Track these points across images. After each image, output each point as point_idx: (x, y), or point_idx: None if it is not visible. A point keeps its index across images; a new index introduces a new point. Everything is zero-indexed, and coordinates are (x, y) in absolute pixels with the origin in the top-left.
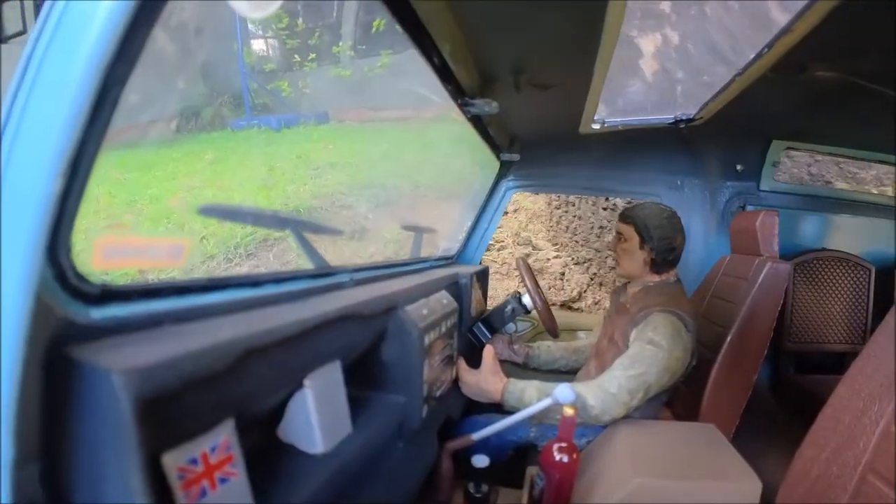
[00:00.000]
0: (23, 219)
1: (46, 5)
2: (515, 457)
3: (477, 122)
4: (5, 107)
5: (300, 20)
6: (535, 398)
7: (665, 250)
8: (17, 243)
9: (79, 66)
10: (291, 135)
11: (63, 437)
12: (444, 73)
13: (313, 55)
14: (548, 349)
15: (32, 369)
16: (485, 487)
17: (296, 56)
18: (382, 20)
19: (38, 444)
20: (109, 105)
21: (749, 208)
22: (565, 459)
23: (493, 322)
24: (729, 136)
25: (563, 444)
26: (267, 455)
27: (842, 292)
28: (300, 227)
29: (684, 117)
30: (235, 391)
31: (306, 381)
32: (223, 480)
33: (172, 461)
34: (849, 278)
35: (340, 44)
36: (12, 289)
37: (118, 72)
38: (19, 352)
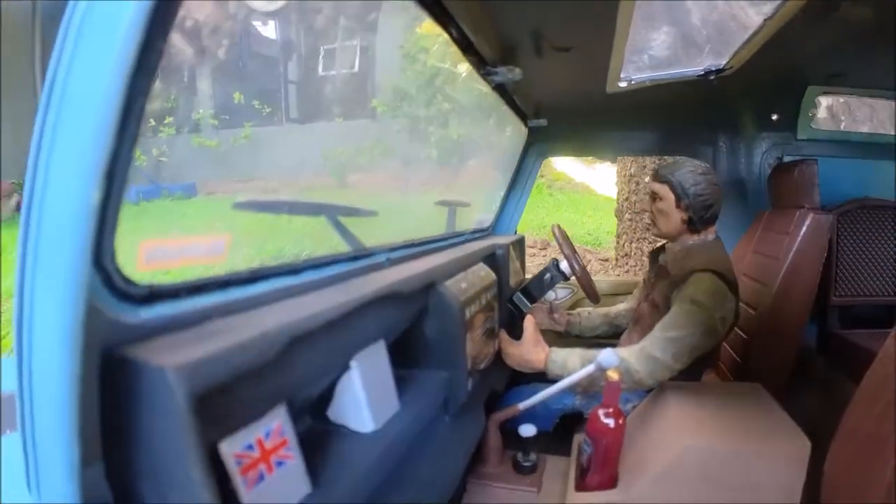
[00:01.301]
0: (67, 230)
1: (65, 19)
2: (562, 425)
3: (502, 90)
4: (37, 128)
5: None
6: (578, 365)
7: (702, 208)
8: (65, 253)
9: (103, 83)
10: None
11: (124, 435)
12: (465, 45)
13: (169, 118)
14: (588, 316)
15: (90, 372)
16: (533, 456)
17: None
18: (242, 94)
19: (100, 443)
20: (136, 116)
21: (787, 159)
22: (611, 425)
23: (533, 291)
24: (762, 84)
25: (609, 410)
26: (320, 437)
27: (888, 242)
28: (334, 211)
29: (714, 68)
30: (285, 378)
31: (352, 363)
32: (279, 464)
33: (229, 448)
34: (894, 227)
35: (201, 110)
36: (64, 296)
37: (141, 83)
38: (76, 356)
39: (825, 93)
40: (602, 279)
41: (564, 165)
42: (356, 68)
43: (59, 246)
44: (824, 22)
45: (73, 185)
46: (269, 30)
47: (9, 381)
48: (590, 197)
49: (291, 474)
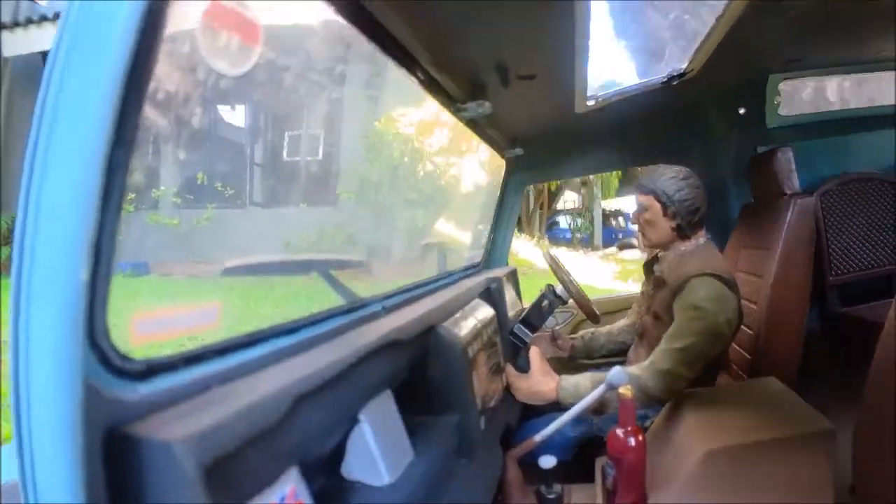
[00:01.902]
0: (58, 311)
1: (41, 94)
2: (582, 452)
3: (475, 125)
4: (21, 206)
5: None
6: (590, 388)
7: (689, 213)
8: (58, 335)
9: (85, 150)
10: None
11: None
12: (432, 86)
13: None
14: (592, 337)
15: (93, 453)
16: (557, 487)
17: None
18: (205, 175)
19: None
20: (118, 192)
21: (761, 150)
22: (632, 443)
23: (533, 320)
24: (725, 81)
25: (627, 429)
26: (335, 495)
27: (873, 213)
28: (325, 266)
29: (676, 73)
30: (293, 439)
31: (361, 416)
32: None
33: None
34: (877, 197)
35: (163, 188)
36: (61, 379)
37: (121, 155)
38: (78, 439)
39: (786, 79)
40: (599, 298)
41: (529, 252)
42: (320, 155)
43: (52, 328)
44: (773, 13)
45: (60, 263)
46: (236, 115)
47: (7, 469)
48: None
49: None
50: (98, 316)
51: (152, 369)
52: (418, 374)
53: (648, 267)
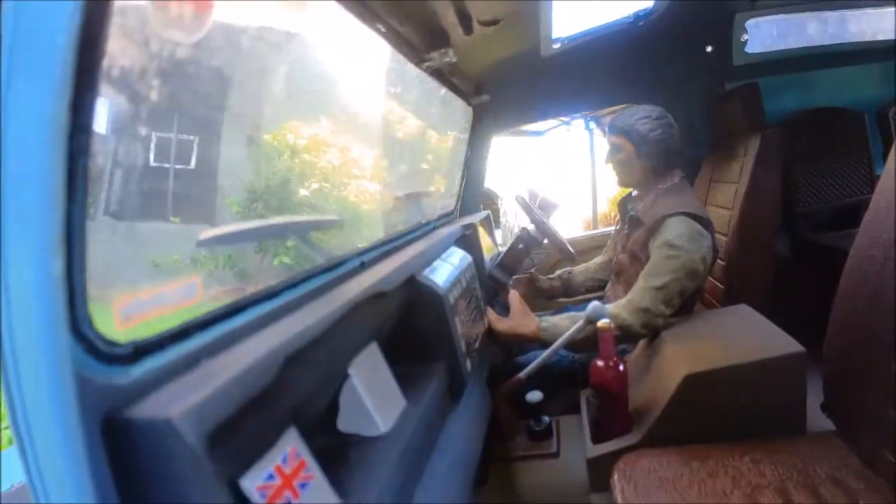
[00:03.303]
0: (39, 309)
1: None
2: (568, 384)
3: (439, 75)
4: None
5: None
6: (569, 326)
7: (663, 153)
8: (42, 332)
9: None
10: None
11: (145, 493)
12: (395, 37)
13: None
14: (569, 276)
15: (94, 442)
16: (545, 419)
17: None
18: None
19: None
20: (82, 181)
21: (729, 86)
22: (613, 373)
23: (509, 263)
24: (691, 21)
25: (608, 359)
26: (336, 450)
27: (839, 144)
28: (302, 229)
29: (643, 13)
30: (288, 400)
31: (350, 370)
32: (303, 486)
33: (251, 483)
34: (843, 129)
35: None
36: (51, 373)
37: (81, 142)
38: (76, 430)
39: (752, 17)
40: (574, 237)
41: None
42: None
43: (34, 324)
44: None
45: (32, 259)
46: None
47: (8, 472)
48: None
49: (317, 493)
50: (79, 306)
51: (140, 351)
52: (403, 324)
53: (623, 205)
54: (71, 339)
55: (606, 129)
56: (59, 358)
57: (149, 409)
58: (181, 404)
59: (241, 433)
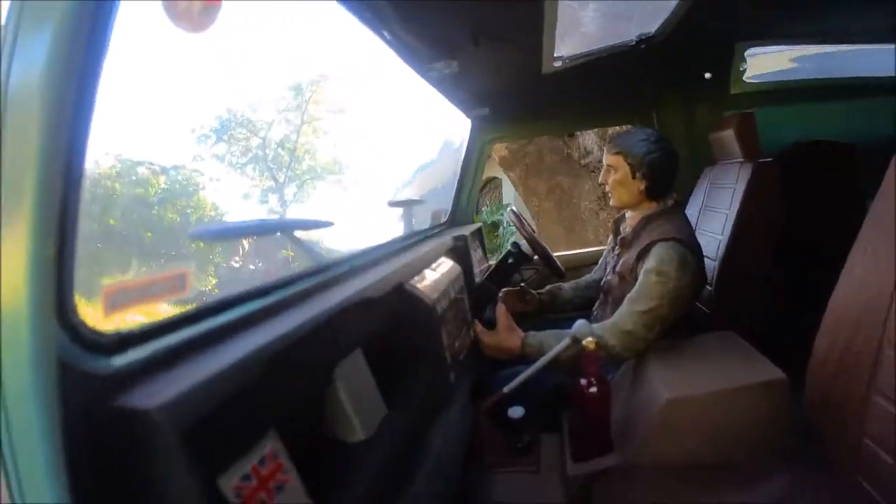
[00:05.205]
0: (27, 293)
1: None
2: (551, 402)
3: (441, 85)
4: None
5: None
6: (554, 343)
7: (658, 176)
8: (28, 316)
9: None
10: None
11: (121, 483)
12: (399, 45)
13: None
14: (558, 292)
15: (74, 429)
16: (526, 437)
17: None
18: None
19: (97, 496)
20: (79, 170)
21: (726, 114)
22: (596, 392)
23: (499, 277)
24: (692, 46)
25: (591, 379)
26: (315, 454)
27: (830, 179)
28: (291, 227)
29: (645, 35)
30: (270, 401)
31: (334, 375)
32: (279, 488)
33: (227, 482)
34: (834, 163)
35: None
36: (34, 359)
37: (81, 132)
38: (56, 417)
39: (753, 46)
40: (564, 254)
41: None
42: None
43: (21, 307)
44: None
45: (26, 242)
46: None
47: None
48: None
49: (292, 496)
50: (66, 293)
51: (125, 341)
52: (389, 332)
53: (616, 225)
54: (56, 326)
55: (604, 148)
56: (44, 344)
57: (129, 399)
58: (161, 397)
59: (220, 430)
